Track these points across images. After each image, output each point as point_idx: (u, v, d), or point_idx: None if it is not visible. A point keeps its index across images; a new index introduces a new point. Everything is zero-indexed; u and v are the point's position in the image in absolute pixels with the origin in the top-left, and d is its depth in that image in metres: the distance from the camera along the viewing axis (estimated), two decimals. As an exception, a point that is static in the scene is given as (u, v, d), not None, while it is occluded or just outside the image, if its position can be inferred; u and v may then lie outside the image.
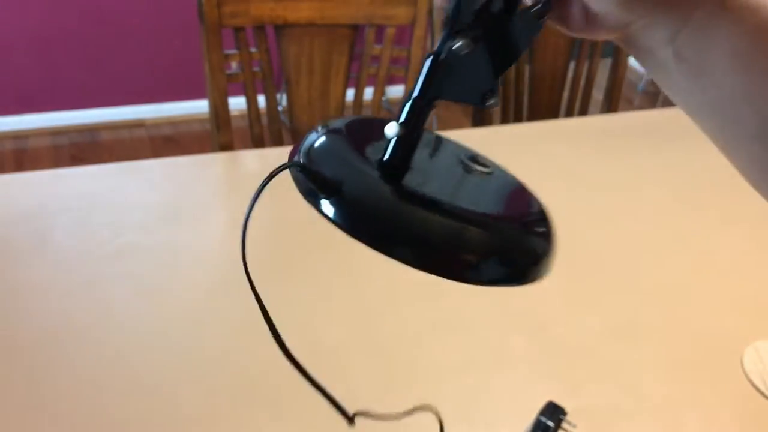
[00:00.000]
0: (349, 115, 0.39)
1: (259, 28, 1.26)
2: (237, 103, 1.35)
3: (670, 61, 0.32)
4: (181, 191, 1.07)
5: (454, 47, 0.31)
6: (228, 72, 1.26)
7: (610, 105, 1.67)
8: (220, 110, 1.27)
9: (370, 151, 0.34)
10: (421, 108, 0.33)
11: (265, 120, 1.35)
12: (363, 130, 0.36)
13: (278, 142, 1.37)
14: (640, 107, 3.35)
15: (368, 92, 1.37)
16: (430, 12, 1.75)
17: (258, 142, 1.35)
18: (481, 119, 1.58)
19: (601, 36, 0.33)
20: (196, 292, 0.88)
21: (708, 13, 0.29)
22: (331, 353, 0.80)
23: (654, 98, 3.42)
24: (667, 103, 3.39)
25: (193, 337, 0.81)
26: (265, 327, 0.87)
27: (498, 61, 0.31)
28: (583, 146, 1.29)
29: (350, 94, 1.42)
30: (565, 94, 1.67)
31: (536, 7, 0.30)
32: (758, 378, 0.82)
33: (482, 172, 0.37)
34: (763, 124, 0.30)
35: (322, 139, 0.36)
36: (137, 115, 2.77)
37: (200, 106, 2.82)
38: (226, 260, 0.93)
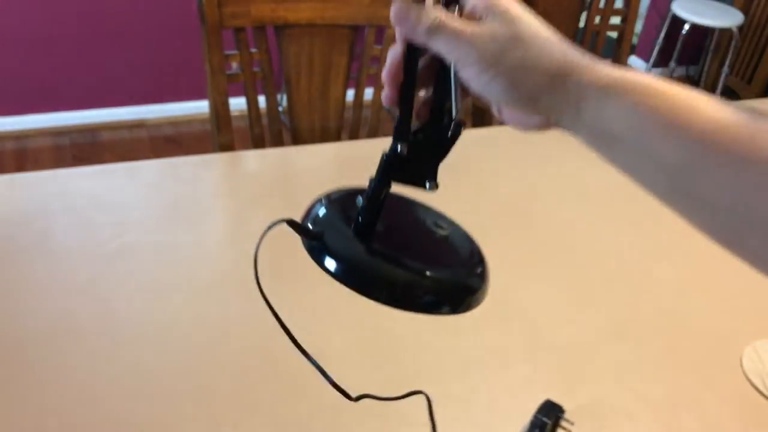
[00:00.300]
0: (349, 187, 0.51)
1: (260, 28, 1.26)
2: (237, 104, 1.35)
3: (589, 137, 0.40)
4: (181, 191, 1.07)
5: (398, 150, 0.43)
6: (228, 72, 1.26)
7: (610, 105, 1.67)
8: (220, 110, 1.28)
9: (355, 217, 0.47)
10: (379, 190, 0.45)
11: (265, 120, 1.35)
12: (354, 200, 0.48)
13: (278, 142, 1.38)
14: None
15: (368, 93, 1.37)
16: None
17: (258, 143, 1.36)
18: (481, 120, 1.58)
19: (540, 130, 0.43)
20: (196, 291, 0.88)
21: (597, 96, 0.37)
22: (331, 354, 0.81)
23: (655, 98, 3.42)
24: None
25: (193, 336, 0.81)
26: (265, 326, 0.87)
27: (431, 159, 0.44)
28: (582, 146, 1.29)
29: (350, 94, 1.42)
30: (565, 95, 1.67)
31: (450, 128, 0.43)
32: (757, 377, 0.82)
33: (441, 233, 0.50)
34: (668, 179, 0.37)
35: (322, 208, 0.48)
36: (138, 115, 2.77)
37: (201, 107, 2.82)
38: (226, 260, 0.94)
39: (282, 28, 1.28)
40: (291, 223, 0.46)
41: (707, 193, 0.35)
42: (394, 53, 0.42)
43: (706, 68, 3.49)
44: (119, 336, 0.80)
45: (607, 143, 0.39)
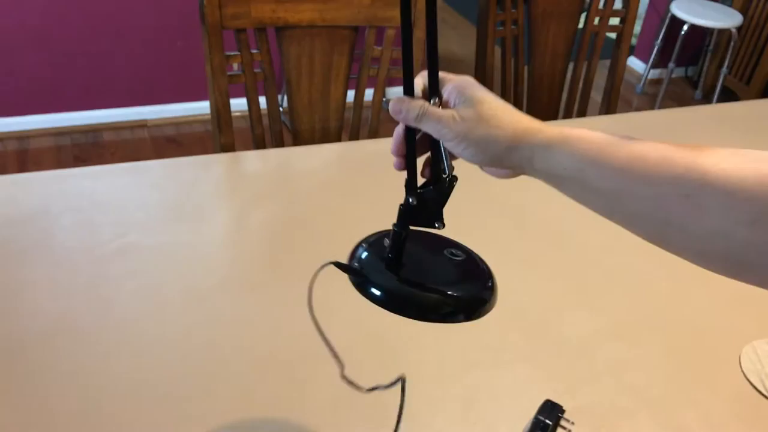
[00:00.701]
0: (381, 231, 0.63)
1: (260, 29, 1.27)
2: (238, 104, 1.36)
3: (544, 179, 0.53)
4: (182, 192, 1.07)
5: (410, 201, 0.57)
6: (229, 73, 1.27)
7: (609, 106, 1.68)
8: (221, 111, 1.28)
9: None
10: (400, 233, 0.58)
11: (266, 121, 1.36)
12: (384, 241, 0.61)
13: (279, 143, 1.38)
14: (639, 108, 3.36)
15: (368, 93, 1.38)
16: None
17: (259, 143, 1.36)
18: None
19: (511, 177, 0.56)
20: (197, 291, 0.88)
21: (543, 152, 0.50)
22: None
23: (652, 99, 3.42)
24: (666, 104, 3.39)
25: (193, 336, 0.82)
26: (265, 325, 0.88)
27: (435, 205, 0.57)
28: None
29: (351, 95, 1.42)
30: (564, 96, 1.68)
31: (448, 180, 0.56)
32: (755, 377, 0.83)
33: (456, 258, 0.62)
34: (606, 202, 0.49)
35: (363, 251, 0.61)
36: (139, 115, 2.77)
37: (202, 107, 2.83)
38: (227, 260, 0.94)
39: (282, 29, 1.29)
40: (338, 264, 0.59)
41: (634, 207, 0.47)
42: (397, 132, 0.55)
43: (704, 69, 3.49)
44: (120, 335, 0.81)
45: (558, 182, 0.51)
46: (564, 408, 0.69)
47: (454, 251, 0.62)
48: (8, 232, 0.96)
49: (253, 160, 1.21)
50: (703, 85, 3.50)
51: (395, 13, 1.32)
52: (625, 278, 0.97)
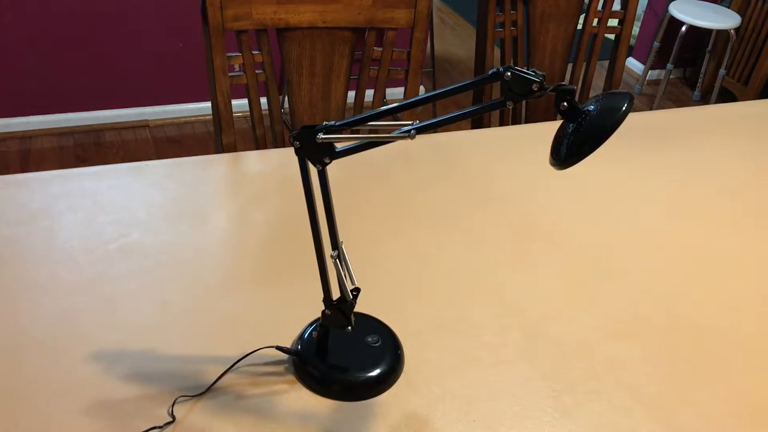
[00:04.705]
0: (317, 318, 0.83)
1: (262, 30, 1.28)
2: (240, 105, 1.37)
3: None
4: (184, 191, 1.08)
5: (326, 312, 0.77)
6: (231, 74, 1.28)
7: (608, 107, 1.68)
8: (223, 112, 1.29)
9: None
10: (322, 330, 0.79)
11: (267, 121, 1.36)
12: (324, 332, 0.80)
13: (280, 143, 1.39)
14: (637, 109, 3.37)
15: (369, 94, 1.39)
16: (429, 15, 1.77)
17: (260, 144, 1.37)
18: (480, 121, 1.60)
19: None
20: (198, 290, 0.89)
21: None
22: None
23: (651, 100, 3.43)
24: (664, 105, 3.40)
25: (195, 335, 0.83)
26: (266, 324, 0.88)
27: (345, 315, 0.76)
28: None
29: (351, 96, 1.43)
30: (564, 96, 1.68)
31: (350, 301, 0.76)
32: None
33: (374, 343, 0.81)
34: None
35: (304, 335, 0.82)
36: (141, 116, 2.78)
37: (203, 108, 2.83)
38: (228, 259, 0.95)
39: (283, 31, 1.30)
40: (279, 347, 0.80)
41: None
42: None
43: (703, 70, 3.50)
44: (122, 333, 0.82)
45: None
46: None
47: (370, 336, 0.81)
48: (11, 232, 0.96)
49: (254, 160, 1.21)
50: (702, 85, 3.51)
51: (395, 15, 1.33)
52: (624, 278, 0.97)
